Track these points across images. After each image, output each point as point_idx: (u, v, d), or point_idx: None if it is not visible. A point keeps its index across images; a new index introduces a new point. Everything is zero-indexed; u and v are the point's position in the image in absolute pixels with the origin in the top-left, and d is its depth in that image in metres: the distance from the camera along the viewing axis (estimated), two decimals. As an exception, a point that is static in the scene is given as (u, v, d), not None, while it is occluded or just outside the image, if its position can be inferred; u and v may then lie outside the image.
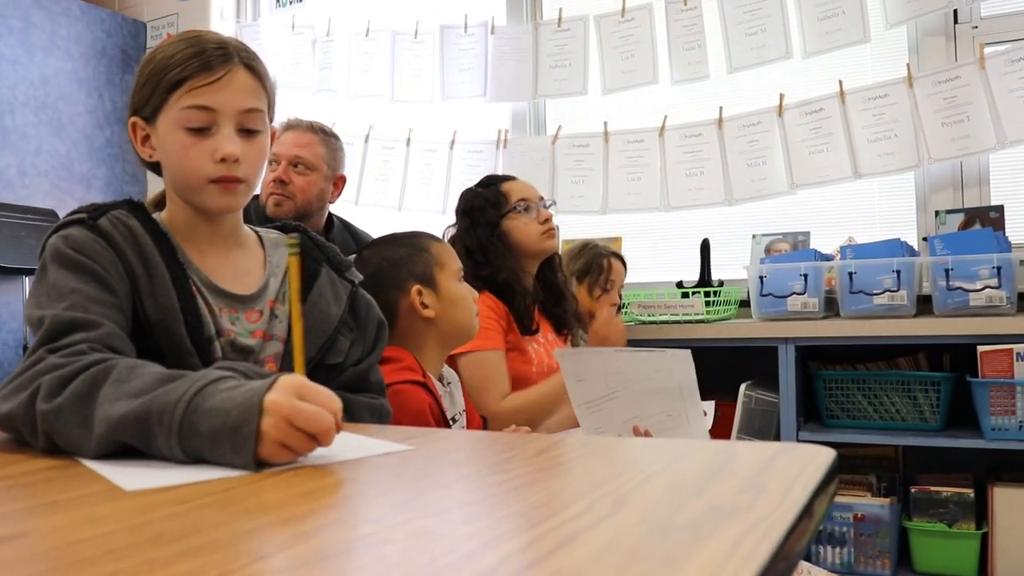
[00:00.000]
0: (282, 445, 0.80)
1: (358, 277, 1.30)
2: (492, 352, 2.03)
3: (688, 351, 1.69)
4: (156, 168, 1.20)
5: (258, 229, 1.29)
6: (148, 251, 1.10)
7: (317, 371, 1.19)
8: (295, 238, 0.97)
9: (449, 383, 1.79)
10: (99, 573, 0.50)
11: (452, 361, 1.96)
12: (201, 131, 1.11)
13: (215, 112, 1.11)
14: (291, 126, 2.40)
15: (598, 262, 2.53)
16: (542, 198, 2.29)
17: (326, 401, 0.83)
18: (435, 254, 1.72)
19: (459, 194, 2.33)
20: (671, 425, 1.73)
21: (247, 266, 1.21)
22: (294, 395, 0.82)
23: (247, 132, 1.14)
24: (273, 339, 1.19)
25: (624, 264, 2.64)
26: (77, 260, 1.05)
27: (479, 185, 2.31)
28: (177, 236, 1.16)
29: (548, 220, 2.24)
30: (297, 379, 0.85)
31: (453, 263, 1.73)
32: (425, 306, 1.67)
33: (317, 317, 1.20)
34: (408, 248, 1.72)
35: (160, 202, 1.23)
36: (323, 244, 1.30)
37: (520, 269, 2.19)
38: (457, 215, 2.28)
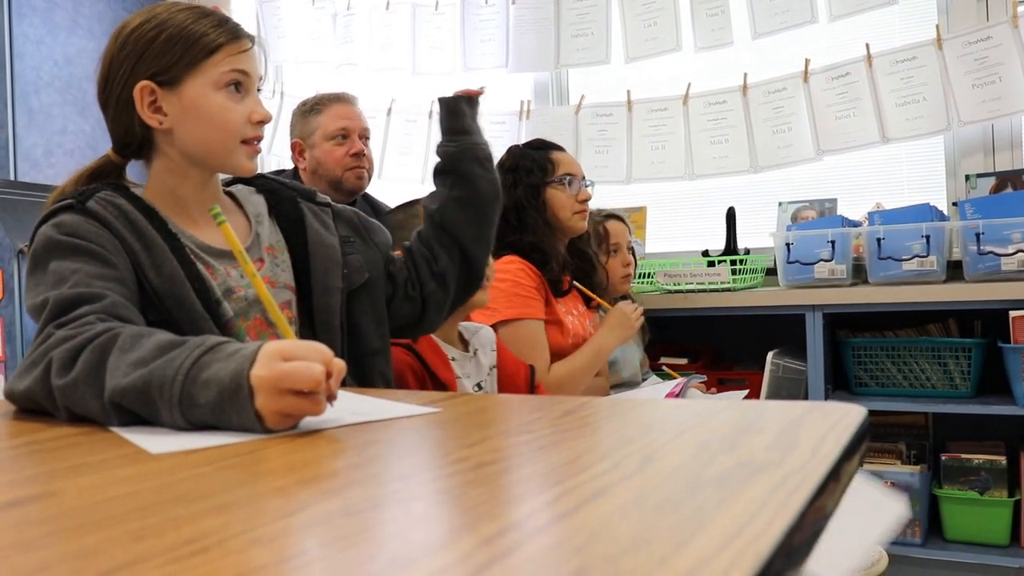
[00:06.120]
0: (281, 414, 0.79)
1: (326, 199, 1.36)
2: (533, 322, 2.02)
3: None
4: (135, 147, 1.20)
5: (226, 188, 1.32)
6: (141, 226, 1.10)
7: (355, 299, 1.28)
8: (217, 208, 0.97)
9: (476, 350, 1.78)
10: (125, 530, 0.50)
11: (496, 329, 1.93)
12: (237, 94, 1.17)
13: (250, 78, 1.18)
14: (341, 100, 2.45)
15: (594, 229, 2.48)
16: (584, 177, 2.26)
17: (312, 354, 0.81)
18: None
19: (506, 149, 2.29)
20: None
21: (233, 222, 1.22)
22: (278, 359, 0.80)
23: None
24: (279, 286, 1.21)
25: (623, 221, 2.58)
26: (73, 244, 1.05)
27: (528, 146, 2.28)
28: (164, 210, 1.17)
29: (585, 200, 2.21)
30: (278, 344, 0.83)
31: None
32: None
33: (324, 252, 1.25)
34: (403, 214, 1.74)
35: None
36: (287, 183, 1.34)
37: (550, 239, 2.17)
38: (498, 170, 2.24)
